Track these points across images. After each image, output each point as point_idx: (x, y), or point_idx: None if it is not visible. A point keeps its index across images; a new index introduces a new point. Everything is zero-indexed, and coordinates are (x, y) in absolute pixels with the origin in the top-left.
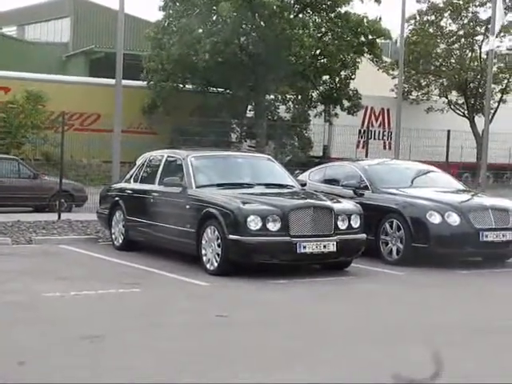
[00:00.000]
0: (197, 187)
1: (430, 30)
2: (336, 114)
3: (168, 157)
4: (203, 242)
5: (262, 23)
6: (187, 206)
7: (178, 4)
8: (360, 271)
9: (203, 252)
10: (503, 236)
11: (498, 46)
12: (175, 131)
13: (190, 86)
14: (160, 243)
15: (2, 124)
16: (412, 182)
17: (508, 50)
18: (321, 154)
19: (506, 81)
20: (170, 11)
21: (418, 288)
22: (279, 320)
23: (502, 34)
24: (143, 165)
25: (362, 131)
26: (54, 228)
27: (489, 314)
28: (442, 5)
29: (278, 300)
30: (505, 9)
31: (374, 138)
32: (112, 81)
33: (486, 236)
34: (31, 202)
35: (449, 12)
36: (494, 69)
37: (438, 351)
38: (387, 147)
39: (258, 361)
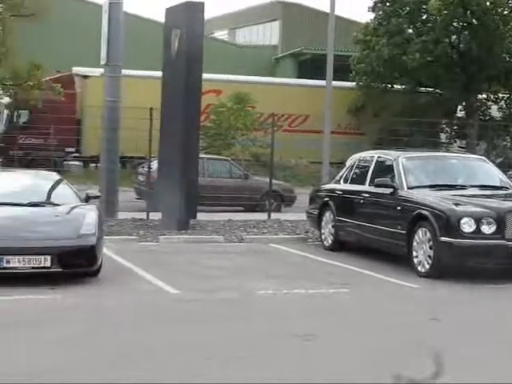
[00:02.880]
0: (408, 188)
1: None
2: None
3: (378, 157)
4: (414, 243)
5: (473, 20)
6: (398, 207)
7: (387, 5)
8: None
9: (414, 254)
10: None
11: None
12: (383, 132)
13: (399, 86)
14: (369, 244)
15: (213, 126)
16: None
17: None
18: None
19: None
20: (380, 12)
21: None
22: (494, 326)
23: None
24: (353, 166)
25: None
26: (264, 227)
27: None
28: None
29: (493, 304)
30: None
31: None
32: (320, 82)
33: None
34: (242, 202)
35: None
36: None
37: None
38: None
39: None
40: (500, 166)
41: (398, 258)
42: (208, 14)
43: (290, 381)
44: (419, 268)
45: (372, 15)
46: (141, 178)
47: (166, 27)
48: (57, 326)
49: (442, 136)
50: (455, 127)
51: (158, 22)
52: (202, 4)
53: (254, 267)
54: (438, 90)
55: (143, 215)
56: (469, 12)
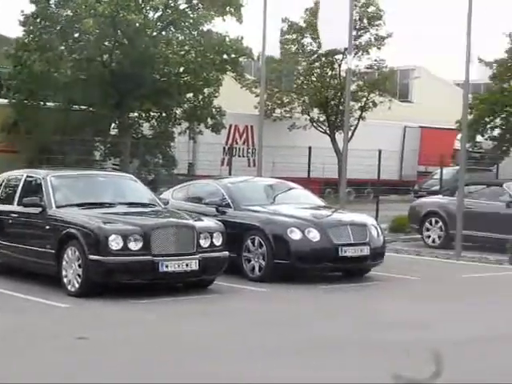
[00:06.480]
0: (57, 207)
1: (292, 49)
2: (200, 132)
3: (27, 176)
4: (64, 262)
5: (125, 40)
6: (47, 227)
7: (38, 20)
8: (223, 289)
9: (64, 273)
10: (361, 251)
11: (356, 66)
12: (38, 150)
13: (52, 104)
14: (21, 265)
15: None
16: (274, 199)
17: (367, 68)
18: (186, 171)
19: (364, 99)
20: (31, 27)
21: (280, 304)
22: (141, 340)
23: (360, 53)
24: (1, 185)
25: (227, 149)
26: None
27: (356, 326)
28: (303, 24)
29: (141, 320)
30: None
31: (239, 156)
32: None
33: (345, 251)
34: None
35: (310, 31)
36: (354, 87)
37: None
38: (251, 164)
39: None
40: (152, 182)
41: (49, 278)
42: None
43: None
44: (69, 287)
45: (23, 29)
46: None
47: None
48: None
49: (97, 154)
50: (109, 145)
51: None
52: None
53: None
54: (91, 108)
55: None
56: (120, 32)
